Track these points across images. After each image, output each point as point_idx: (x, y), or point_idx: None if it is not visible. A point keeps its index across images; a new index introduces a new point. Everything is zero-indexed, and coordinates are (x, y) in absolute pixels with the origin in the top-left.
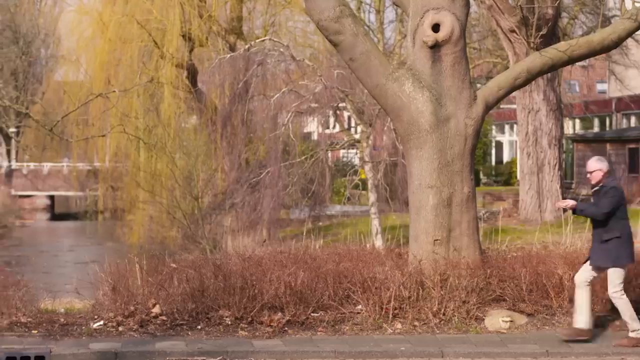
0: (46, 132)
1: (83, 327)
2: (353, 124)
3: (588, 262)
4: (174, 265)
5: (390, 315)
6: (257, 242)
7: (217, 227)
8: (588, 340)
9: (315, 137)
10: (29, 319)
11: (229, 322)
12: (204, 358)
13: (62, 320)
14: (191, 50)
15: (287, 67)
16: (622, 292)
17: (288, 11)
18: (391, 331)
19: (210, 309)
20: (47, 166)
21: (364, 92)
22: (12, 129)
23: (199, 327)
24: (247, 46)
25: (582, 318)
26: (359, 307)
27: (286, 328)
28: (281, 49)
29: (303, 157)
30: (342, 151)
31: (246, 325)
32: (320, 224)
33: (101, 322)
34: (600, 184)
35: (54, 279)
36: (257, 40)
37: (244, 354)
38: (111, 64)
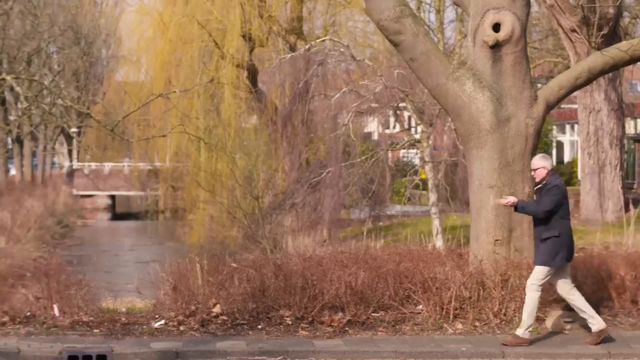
0: (107, 132)
1: (144, 327)
2: (413, 124)
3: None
4: (234, 265)
5: (451, 316)
6: (317, 242)
7: (277, 227)
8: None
9: (375, 137)
10: (90, 318)
11: (290, 322)
12: (265, 358)
13: (123, 319)
14: (251, 51)
15: (347, 67)
16: (540, 287)
17: (348, 11)
18: (452, 331)
19: (270, 309)
20: (108, 166)
21: (424, 91)
22: (74, 129)
23: (260, 326)
24: (307, 46)
25: (594, 320)
26: (420, 307)
27: (347, 328)
28: (341, 49)
29: (363, 157)
30: (402, 151)
31: (307, 325)
32: (381, 224)
33: (162, 322)
34: (544, 182)
35: (115, 279)
36: (317, 40)
37: (305, 353)
38: (172, 64)
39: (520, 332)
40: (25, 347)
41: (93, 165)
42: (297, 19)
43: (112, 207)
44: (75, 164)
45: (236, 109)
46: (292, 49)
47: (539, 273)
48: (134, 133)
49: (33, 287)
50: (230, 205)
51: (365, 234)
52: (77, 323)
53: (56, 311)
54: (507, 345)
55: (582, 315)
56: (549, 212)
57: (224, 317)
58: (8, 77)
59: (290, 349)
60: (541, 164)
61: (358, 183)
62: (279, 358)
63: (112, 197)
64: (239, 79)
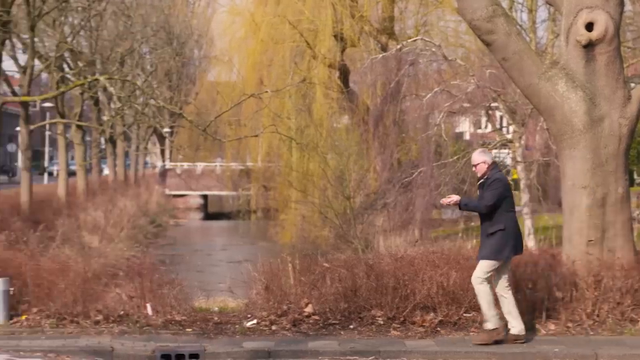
0: (199, 132)
1: (236, 326)
2: (505, 124)
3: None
4: (326, 265)
5: (544, 317)
6: (409, 242)
7: (368, 226)
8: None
9: (467, 137)
10: (183, 317)
11: (382, 322)
12: (357, 358)
13: (215, 318)
14: (343, 51)
15: (439, 67)
16: (486, 281)
17: (440, 11)
18: (544, 332)
19: (362, 309)
20: (200, 166)
21: (517, 91)
22: (166, 129)
23: (352, 326)
24: (398, 46)
25: (515, 322)
26: None
27: (438, 328)
28: (433, 49)
29: (455, 157)
30: (494, 151)
31: (398, 325)
32: (472, 224)
33: (254, 321)
34: (485, 177)
35: (208, 278)
36: (408, 40)
37: (396, 353)
38: (263, 64)
39: (488, 326)
40: (119, 345)
41: (185, 165)
42: (388, 19)
43: (204, 207)
44: (168, 164)
45: (328, 109)
46: (384, 49)
47: (484, 267)
48: (226, 133)
49: (126, 286)
50: (322, 205)
51: (459, 234)
52: (170, 322)
53: (149, 310)
54: (480, 344)
55: (506, 316)
56: (492, 207)
57: (316, 317)
58: (101, 78)
59: (382, 349)
60: (481, 159)
61: (450, 183)
62: (370, 358)
63: (205, 196)
64: (331, 79)
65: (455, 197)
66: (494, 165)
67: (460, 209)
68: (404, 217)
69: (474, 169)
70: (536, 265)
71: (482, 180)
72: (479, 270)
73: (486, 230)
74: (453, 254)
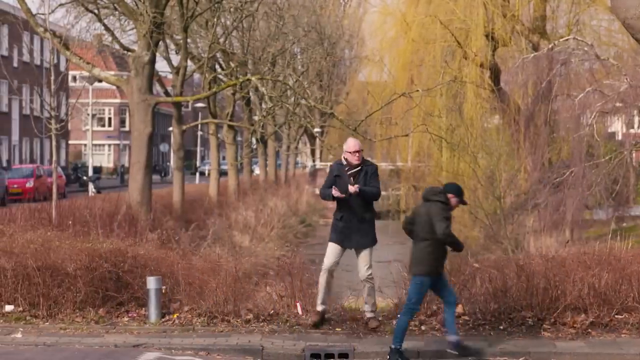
0: (349, 132)
1: (386, 326)
2: None
3: (336, 245)
4: (476, 265)
5: None
6: (559, 242)
7: (519, 227)
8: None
9: (619, 137)
10: (333, 317)
11: (532, 323)
12: (506, 358)
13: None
14: (494, 50)
15: (590, 66)
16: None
17: (592, 9)
18: None
19: (512, 310)
20: None
21: None
22: (317, 129)
23: (501, 327)
24: (550, 45)
25: (370, 307)
26: None
27: (589, 330)
28: (585, 48)
29: (607, 157)
30: None
31: (549, 327)
32: (625, 224)
33: None
34: (361, 165)
35: (357, 278)
36: (560, 40)
37: (547, 355)
38: (414, 64)
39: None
40: (269, 344)
41: None
42: (540, 18)
43: None
44: (318, 164)
45: (478, 109)
46: (535, 48)
47: (371, 258)
48: (376, 133)
49: (277, 285)
50: (472, 205)
51: (610, 234)
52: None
53: (299, 309)
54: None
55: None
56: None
57: (466, 317)
58: (253, 78)
59: (532, 350)
60: (359, 147)
61: (601, 183)
62: (520, 359)
63: None
64: (482, 78)
65: (357, 186)
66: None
67: (359, 195)
68: (554, 218)
69: (356, 155)
70: None
71: (358, 169)
72: (368, 264)
73: (363, 217)
74: (604, 254)
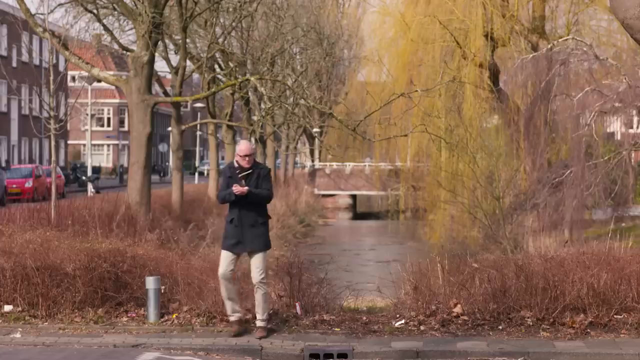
0: (349, 132)
1: (385, 326)
2: None
3: (228, 253)
4: (475, 265)
5: None
6: (558, 242)
7: (518, 227)
8: (237, 333)
9: (618, 137)
10: (332, 317)
11: (531, 323)
12: (505, 359)
13: (364, 318)
14: (493, 50)
15: (590, 67)
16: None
17: (591, 9)
18: None
19: (511, 310)
20: (349, 166)
21: None
22: (316, 129)
23: (500, 327)
24: (549, 45)
25: (263, 317)
26: None
27: (588, 330)
28: (584, 48)
29: (606, 157)
30: None
31: (548, 327)
32: (623, 224)
33: (403, 321)
34: (252, 167)
35: (356, 278)
36: (559, 40)
37: (546, 355)
38: (413, 64)
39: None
40: (268, 344)
41: (334, 165)
42: (539, 18)
43: (353, 207)
44: (317, 164)
45: (478, 109)
46: (534, 48)
47: (265, 262)
48: (375, 133)
49: (276, 285)
50: (471, 205)
51: (609, 234)
52: (319, 321)
53: (298, 309)
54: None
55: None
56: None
57: (465, 317)
58: (252, 78)
59: (531, 350)
60: (253, 150)
61: (600, 183)
62: (519, 359)
63: (353, 196)
64: (481, 78)
65: (246, 187)
66: None
67: (247, 198)
68: (553, 218)
69: (247, 159)
70: None
71: (249, 172)
72: (262, 269)
73: (256, 221)
74: (603, 254)
